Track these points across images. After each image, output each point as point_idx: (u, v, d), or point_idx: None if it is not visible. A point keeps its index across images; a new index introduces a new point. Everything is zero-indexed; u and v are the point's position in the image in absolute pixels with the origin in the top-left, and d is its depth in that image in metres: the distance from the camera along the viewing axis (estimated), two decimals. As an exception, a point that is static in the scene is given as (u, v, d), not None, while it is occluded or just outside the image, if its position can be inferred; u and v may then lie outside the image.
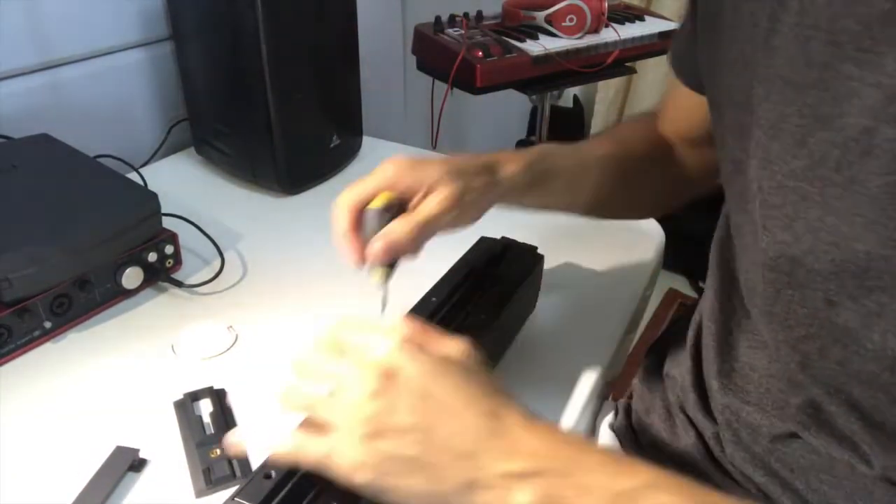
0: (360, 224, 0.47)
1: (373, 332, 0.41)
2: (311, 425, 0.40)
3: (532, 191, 0.53)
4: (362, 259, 0.46)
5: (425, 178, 0.47)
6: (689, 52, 0.51)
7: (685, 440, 0.54)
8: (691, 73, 0.54)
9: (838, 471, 0.43)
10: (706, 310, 0.52)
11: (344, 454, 0.37)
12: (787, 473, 0.47)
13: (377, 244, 0.45)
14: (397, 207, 0.48)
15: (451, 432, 0.36)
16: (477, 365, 0.41)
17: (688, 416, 0.55)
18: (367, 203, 0.47)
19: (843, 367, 0.37)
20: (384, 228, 0.46)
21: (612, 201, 0.62)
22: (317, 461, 0.38)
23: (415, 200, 0.47)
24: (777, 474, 0.47)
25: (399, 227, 0.46)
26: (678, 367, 0.57)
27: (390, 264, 0.47)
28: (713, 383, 0.51)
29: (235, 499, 0.39)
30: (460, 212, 0.47)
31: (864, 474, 0.42)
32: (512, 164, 0.51)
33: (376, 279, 0.47)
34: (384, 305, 0.48)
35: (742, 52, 0.40)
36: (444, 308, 0.56)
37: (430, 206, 0.46)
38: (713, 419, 0.52)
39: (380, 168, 0.48)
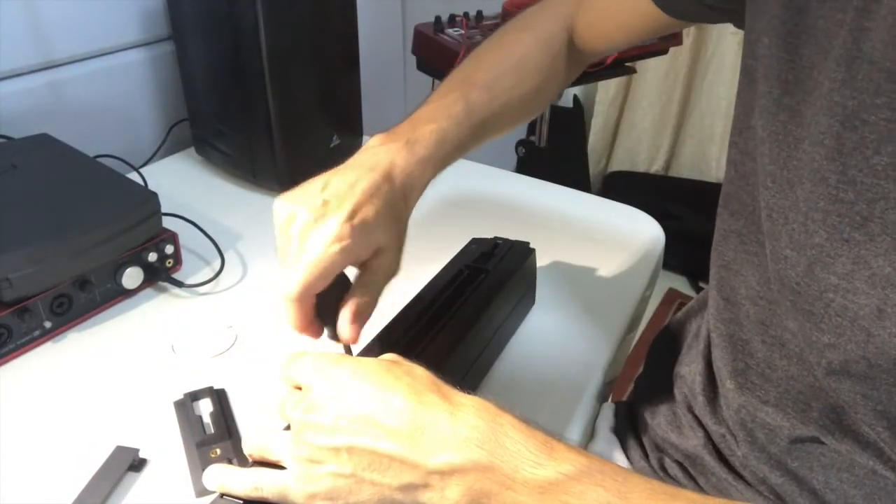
0: (313, 308, 0.45)
1: (290, 363, 0.41)
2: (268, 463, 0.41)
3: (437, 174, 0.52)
4: (320, 335, 0.47)
5: (371, 248, 0.46)
6: None
7: (693, 441, 0.53)
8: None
9: (859, 472, 0.43)
10: (712, 310, 0.52)
11: (295, 489, 0.38)
12: (806, 472, 0.46)
13: (350, 320, 0.45)
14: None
15: (376, 439, 0.36)
16: (396, 360, 0.40)
17: (696, 417, 0.54)
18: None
19: (873, 378, 0.36)
20: (352, 304, 0.45)
21: (505, 132, 0.60)
22: (275, 497, 0.39)
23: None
24: (795, 474, 0.46)
25: (365, 299, 0.45)
26: (688, 367, 0.56)
27: None
28: (727, 384, 0.49)
29: (224, 496, 0.39)
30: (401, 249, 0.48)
31: (887, 478, 0.41)
32: (422, 176, 0.49)
33: (344, 344, 0.47)
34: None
35: (811, 24, 0.37)
36: (433, 306, 0.55)
37: (383, 273, 0.47)
38: (722, 422, 0.51)
39: (322, 253, 0.43)
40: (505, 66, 0.58)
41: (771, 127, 0.40)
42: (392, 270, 0.47)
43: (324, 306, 0.45)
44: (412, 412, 0.36)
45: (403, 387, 0.37)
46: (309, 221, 0.44)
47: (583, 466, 0.34)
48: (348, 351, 0.47)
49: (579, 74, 0.64)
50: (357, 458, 0.36)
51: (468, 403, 0.37)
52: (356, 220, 0.44)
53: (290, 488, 0.38)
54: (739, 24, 0.47)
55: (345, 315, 0.45)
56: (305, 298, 0.43)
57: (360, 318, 0.45)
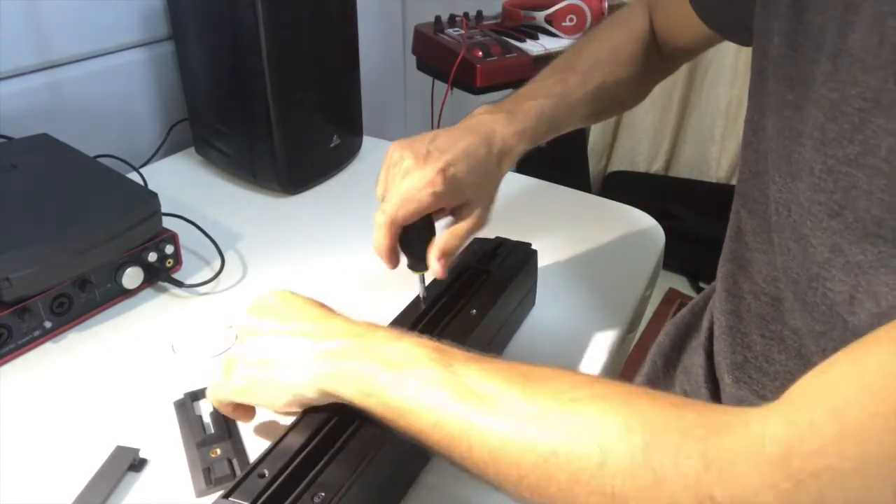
0: (397, 237, 0.52)
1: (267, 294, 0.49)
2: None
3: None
4: (395, 266, 0.54)
5: (458, 200, 0.53)
6: None
7: None
8: (710, 7, 0.56)
9: None
10: (716, 302, 0.52)
11: (229, 376, 0.45)
12: None
13: (437, 257, 0.53)
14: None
15: (293, 331, 0.44)
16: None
17: None
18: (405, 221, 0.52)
19: None
20: (440, 243, 0.53)
21: (598, 118, 0.69)
22: (216, 393, 0.47)
23: (452, 210, 0.55)
24: None
25: (451, 243, 0.53)
26: (691, 360, 0.57)
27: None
28: (726, 378, 0.50)
29: (230, 497, 0.39)
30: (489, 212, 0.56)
31: None
32: (517, 145, 0.56)
33: (418, 274, 0.55)
34: (423, 296, 0.56)
35: (810, 20, 0.38)
36: (435, 306, 0.56)
37: (470, 223, 0.53)
38: None
39: (416, 193, 0.50)
40: (600, 55, 0.64)
41: (779, 123, 0.41)
42: (478, 222, 0.54)
43: (410, 241, 0.53)
44: (329, 321, 0.45)
45: (337, 318, 0.46)
46: (412, 165, 0.51)
47: (423, 343, 0.41)
48: (422, 281, 0.55)
49: (673, 70, 0.70)
50: (277, 345, 0.44)
51: (382, 330, 0.44)
52: (449, 173, 0.50)
53: (217, 384, 0.46)
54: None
55: (433, 252, 0.52)
56: (394, 226, 0.50)
57: (445, 255, 0.52)
